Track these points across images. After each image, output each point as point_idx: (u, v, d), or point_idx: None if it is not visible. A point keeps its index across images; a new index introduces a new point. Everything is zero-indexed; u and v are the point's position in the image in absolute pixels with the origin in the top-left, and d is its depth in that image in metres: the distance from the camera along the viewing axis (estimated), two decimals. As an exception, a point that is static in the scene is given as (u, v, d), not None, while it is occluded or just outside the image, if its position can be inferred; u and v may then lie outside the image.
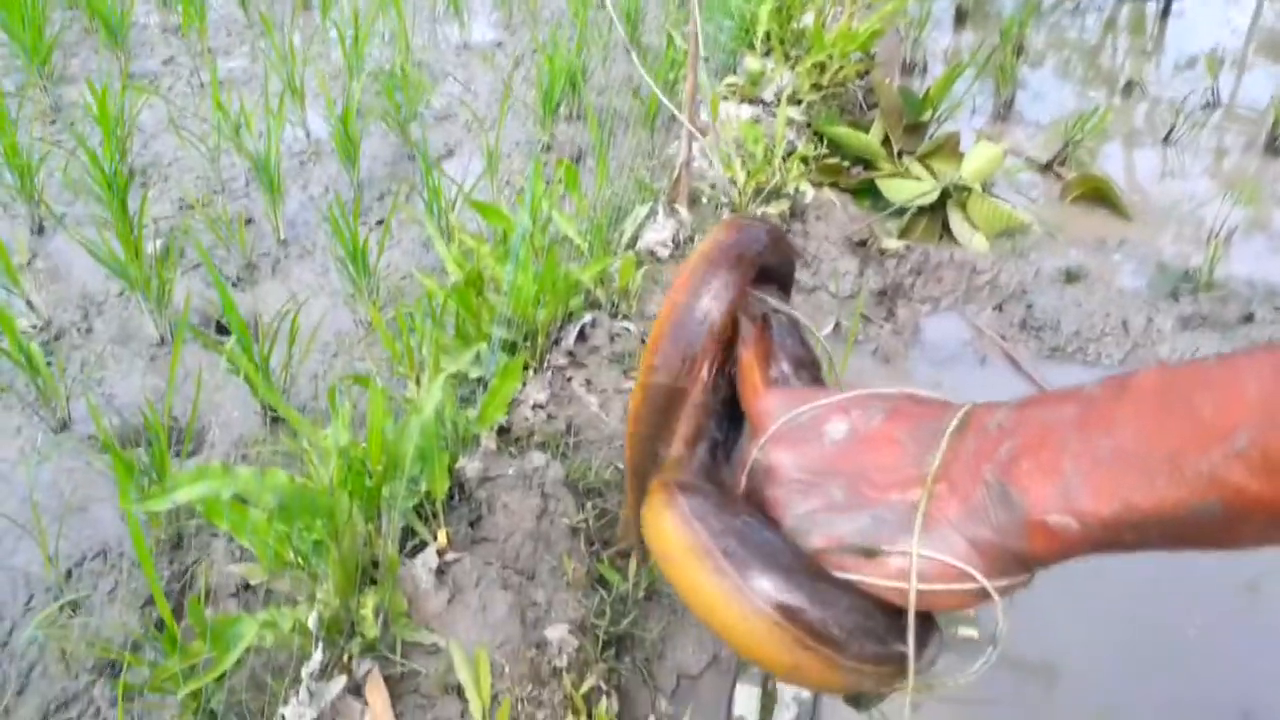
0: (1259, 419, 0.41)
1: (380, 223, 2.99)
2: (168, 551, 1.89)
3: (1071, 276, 2.69)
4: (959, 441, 0.51)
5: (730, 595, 0.48)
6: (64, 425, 2.21)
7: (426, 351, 1.84)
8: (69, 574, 1.88)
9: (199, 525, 1.96)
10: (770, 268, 0.66)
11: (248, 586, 1.81)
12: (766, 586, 0.48)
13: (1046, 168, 3.33)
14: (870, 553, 0.50)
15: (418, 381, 1.80)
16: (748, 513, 0.53)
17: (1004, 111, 3.77)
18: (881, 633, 0.50)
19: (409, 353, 1.82)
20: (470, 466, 1.74)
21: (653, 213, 2.54)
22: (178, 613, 1.83)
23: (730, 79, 3.29)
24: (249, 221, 2.95)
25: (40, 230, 2.89)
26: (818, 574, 0.51)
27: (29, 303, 2.53)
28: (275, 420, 2.26)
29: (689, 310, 0.60)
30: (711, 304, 0.60)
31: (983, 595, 0.50)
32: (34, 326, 2.49)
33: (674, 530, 0.51)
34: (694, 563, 0.49)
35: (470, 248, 2.05)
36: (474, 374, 1.91)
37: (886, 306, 2.66)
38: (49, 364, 2.32)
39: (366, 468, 1.42)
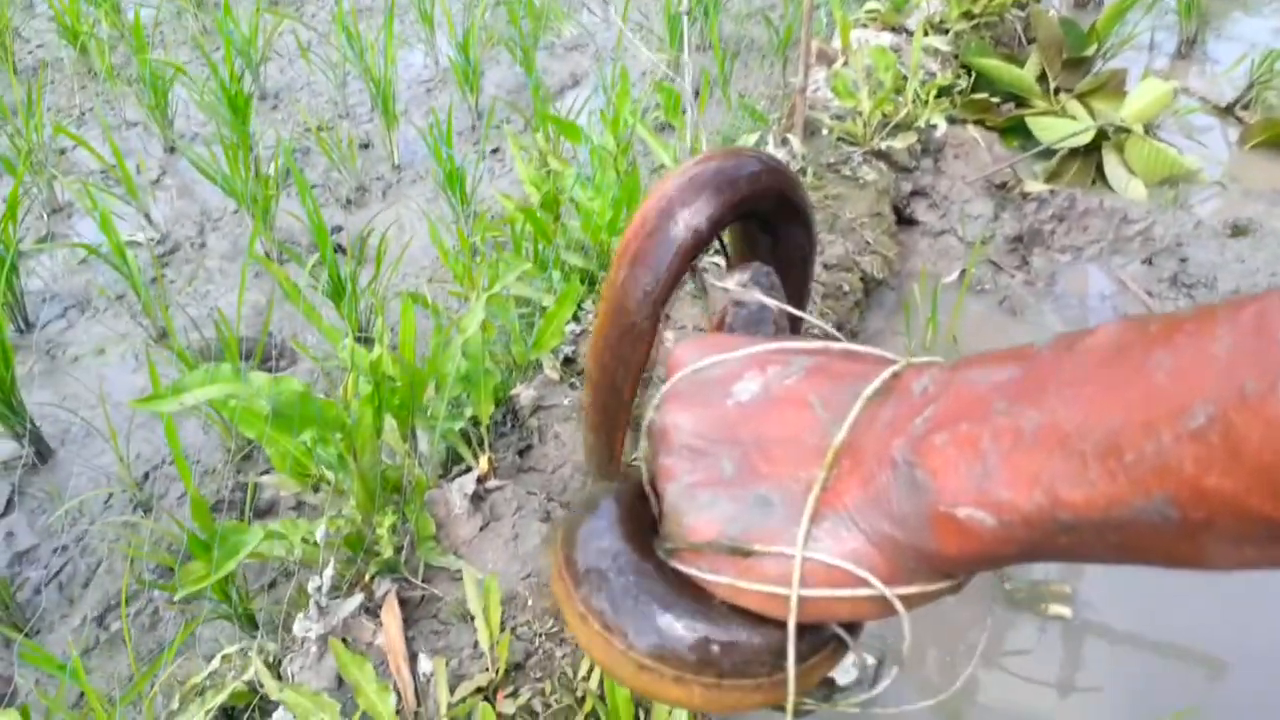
0: (1224, 388, 0.28)
1: (494, 152, 2.94)
2: (236, 462, 1.90)
3: (1238, 229, 2.37)
4: (877, 408, 0.40)
5: (597, 645, 0.43)
6: (164, 334, 2.26)
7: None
8: (145, 476, 1.91)
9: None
10: (766, 209, 0.56)
11: (304, 502, 1.80)
12: (628, 632, 0.42)
13: (1226, 111, 2.96)
14: (743, 552, 0.40)
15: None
16: (627, 534, 0.45)
17: (1186, 50, 3.38)
18: (766, 652, 0.41)
19: (469, 274, 1.75)
20: (525, 394, 1.66)
21: (761, 141, 2.37)
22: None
23: (871, 4, 3.06)
24: (366, 146, 2.95)
25: (172, 149, 2.97)
26: (687, 593, 0.42)
27: (148, 217, 2.60)
28: (361, 339, 2.25)
29: (661, 224, 0.51)
30: (689, 221, 0.51)
31: (886, 604, 0.39)
32: (151, 240, 2.56)
33: (555, 588, 0.46)
34: (569, 619, 0.45)
35: (552, 168, 1.96)
36: (544, 301, 1.82)
37: (1020, 254, 2.42)
38: (154, 278, 2.38)
39: (394, 382, 1.35)
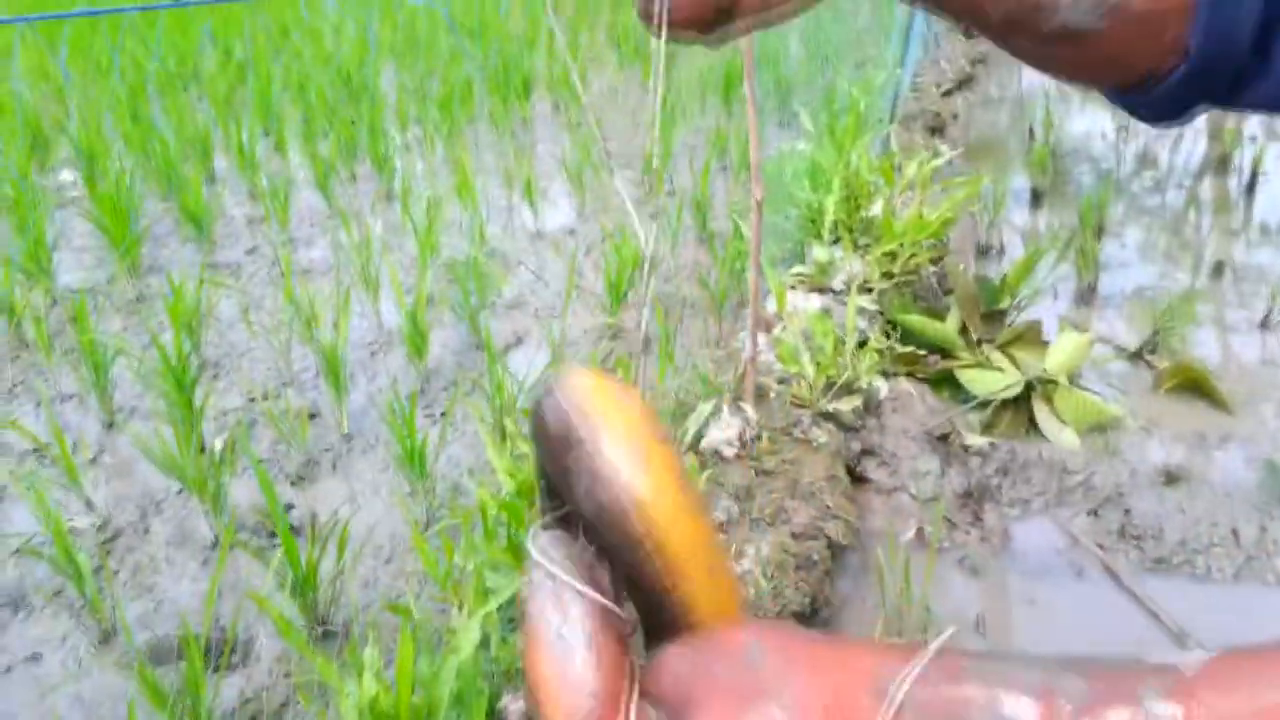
0: None
1: (444, 414, 2.95)
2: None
3: (1171, 478, 2.50)
4: None
5: None
6: (109, 635, 2.14)
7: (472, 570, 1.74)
8: (93, 811, 1.76)
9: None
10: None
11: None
12: None
13: (1136, 356, 3.17)
14: None
15: (461, 607, 1.69)
16: None
17: (1087, 295, 3.64)
18: None
19: (449, 578, 1.72)
20: (514, 706, 1.60)
21: (717, 410, 2.44)
22: None
23: (798, 269, 3.24)
24: (314, 416, 2.94)
25: (111, 425, 2.91)
26: None
27: (88, 501, 2.52)
28: (326, 634, 2.16)
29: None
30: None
31: None
32: (92, 525, 2.47)
33: None
34: None
35: (524, 453, 1.97)
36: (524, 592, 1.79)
37: (972, 510, 2.50)
38: (97, 568, 2.28)
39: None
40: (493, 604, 1.45)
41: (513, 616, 1.81)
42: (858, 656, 0.42)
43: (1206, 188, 4.84)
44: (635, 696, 0.45)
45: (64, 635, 2.16)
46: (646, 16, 0.56)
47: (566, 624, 0.44)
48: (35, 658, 2.10)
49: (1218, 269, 3.84)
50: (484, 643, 1.69)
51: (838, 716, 0.40)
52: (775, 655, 0.42)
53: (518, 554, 1.88)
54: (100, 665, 2.07)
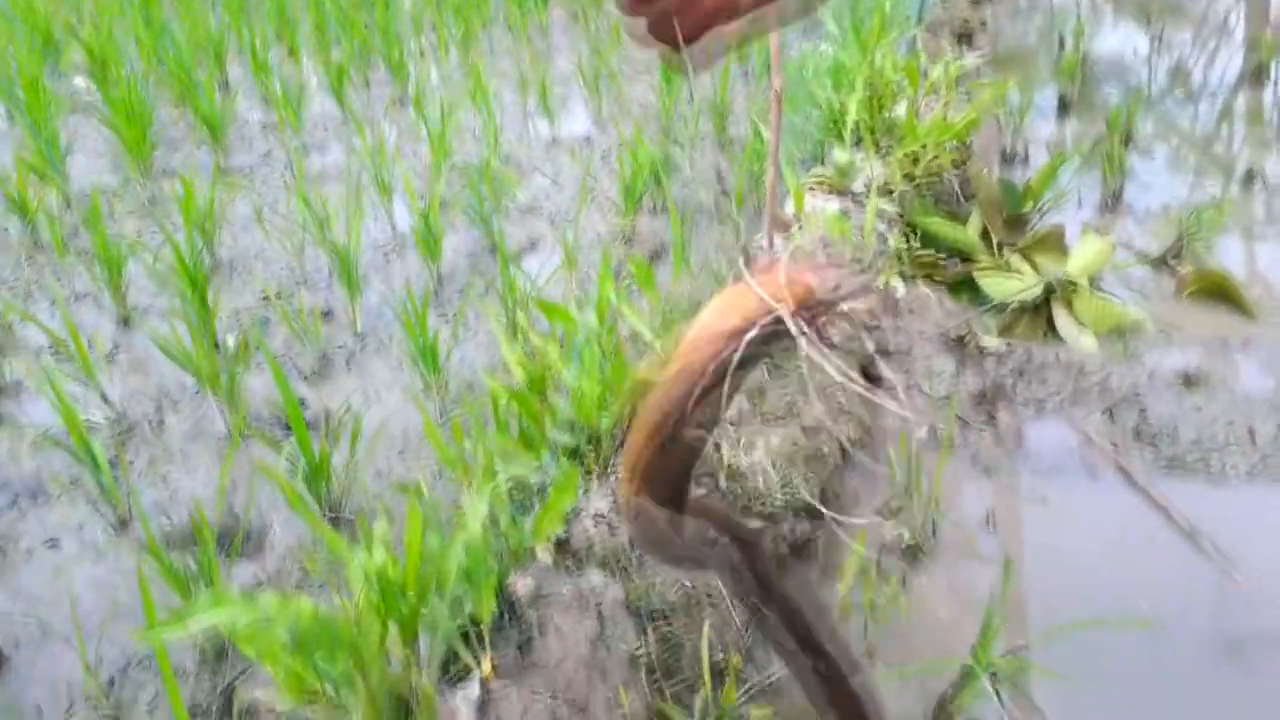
0: None
1: (456, 315, 2.94)
2: (210, 663, 1.81)
3: (1189, 380, 2.47)
4: None
5: None
6: (124, 523, 2.17)
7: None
8: (111, 682, 1.80)
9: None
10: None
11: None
12: None
13: (1160, 262, 3.11)
14: None
15: (471, 488, 1.69)
16: None
17: (1112, 203, 3.57)
18: None
19: (460, 461, 1.72)
20: (522, 584, 1.61)
21: (732, 309, 2.42)
22: (214, 731, 1.74)
23: (818, 170, 3.18)
24: (327, 314, 2.93)
25: (126, 323, 2.92)
26: None
27: (104, 395, 2.53)
28: (336, 520, 2.18)
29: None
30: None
31: None
32: (107, 419, 2.48)
33: None
34: None
35: (536, 347, 1.96)
36: (533, 479, 1.80)
37: (986, 409, 2.48)
38: (113, 460, 2.30)
39: (402, 590, 1.31)
40: (501, 480, 1.44)
41: (523, 501, 1.82)
42: None
43: (1241, 100, 4.70)
44: None
45: (81, 523, 2.19)
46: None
47: None
48: (53, 543, 2.14)
49: (1248, 179, 3.74)
50: (494, 524, 1.70)
51: None
52: None
53: (529, 443, 1.88)
54: (116, 550, 2.10)
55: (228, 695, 1.75)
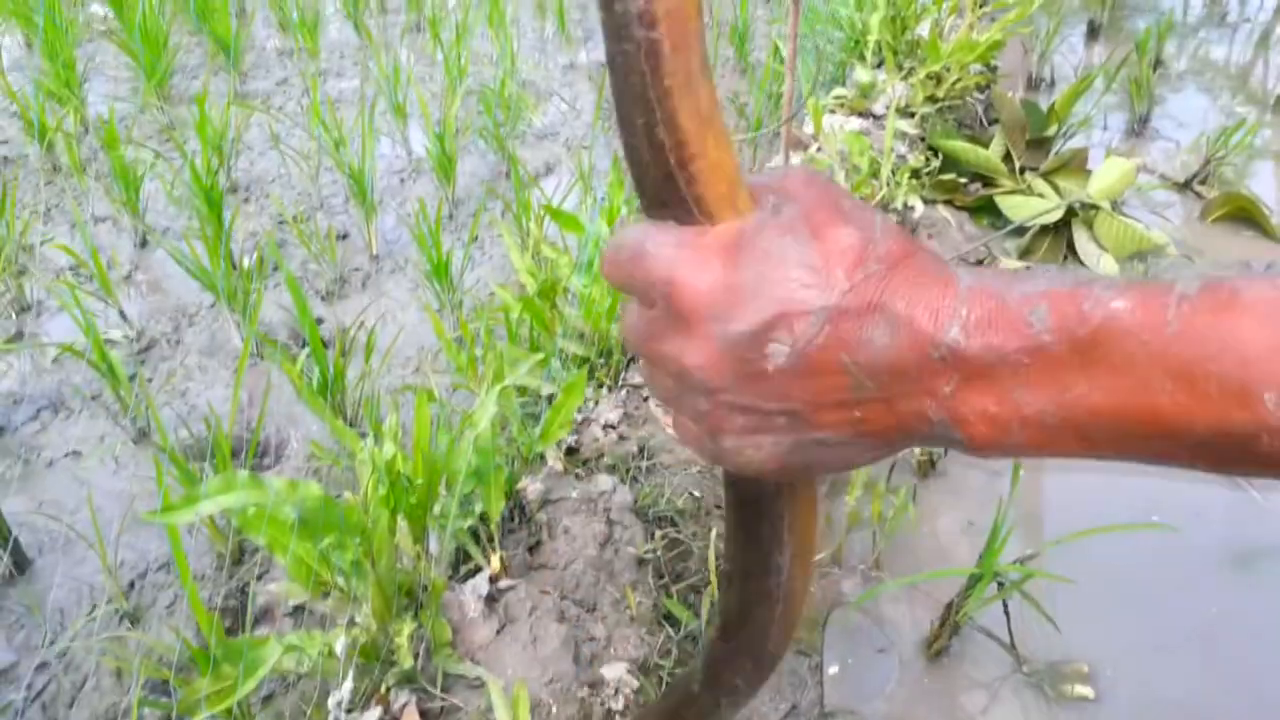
0: None
1: (473, 238, 2.94)
2: (229, 567, 1.84)
3: (1212, 301, 2.43)
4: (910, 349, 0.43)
5: None
6: (144, 435, 2.20)
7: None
8: (131, 585, 1.84)
9: (264, 540, 1.91)
10: None
11: (302, 607, 1.74)
12: None
13: (1185, 186, 3.05)
14: None
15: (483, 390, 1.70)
16: None
17: (1138, 128, 3.50)
18: None
19: (471, 365, 1.73)
20: (532, 487, 1.63)
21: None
22: (232, 631, 1.77)
23: (839, 91, 3.13)
24: (343, 237, 2.94)
25: (144, 244, 2.93)
26: None
27: (122, 313, 2.55)
28: (356, 429, 2.20)
29: None
30: None
31: None
32: (126, 337, 2.51)
33: None
34: None
35: (547, 257, 1.96)
36: (545, 390, 1.80)
37: (1002, 331, 2.45)
38: (132, 375, 2.33)
39: (410, 484, 1.32)
40: (510, 379, 1.45)
41: (535, 413, 1.83)
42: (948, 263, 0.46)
43: (1277, 27, 4.58)
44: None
45: (101, 435, 2.22)
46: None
47: None
48: (75, 454, 2.17)
49: (1278, 104, 3.65)
50: (505, 429, 1.71)
51: (912, 267, 0.43)
52: (891, 229, 0.45)
53: (540, 353, 1.89)
54: (136, 461, 2.13)
55: (244, 597, 1.78)
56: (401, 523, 1.38)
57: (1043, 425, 0.40)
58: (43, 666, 1.69)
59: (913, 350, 0.42)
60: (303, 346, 2.46)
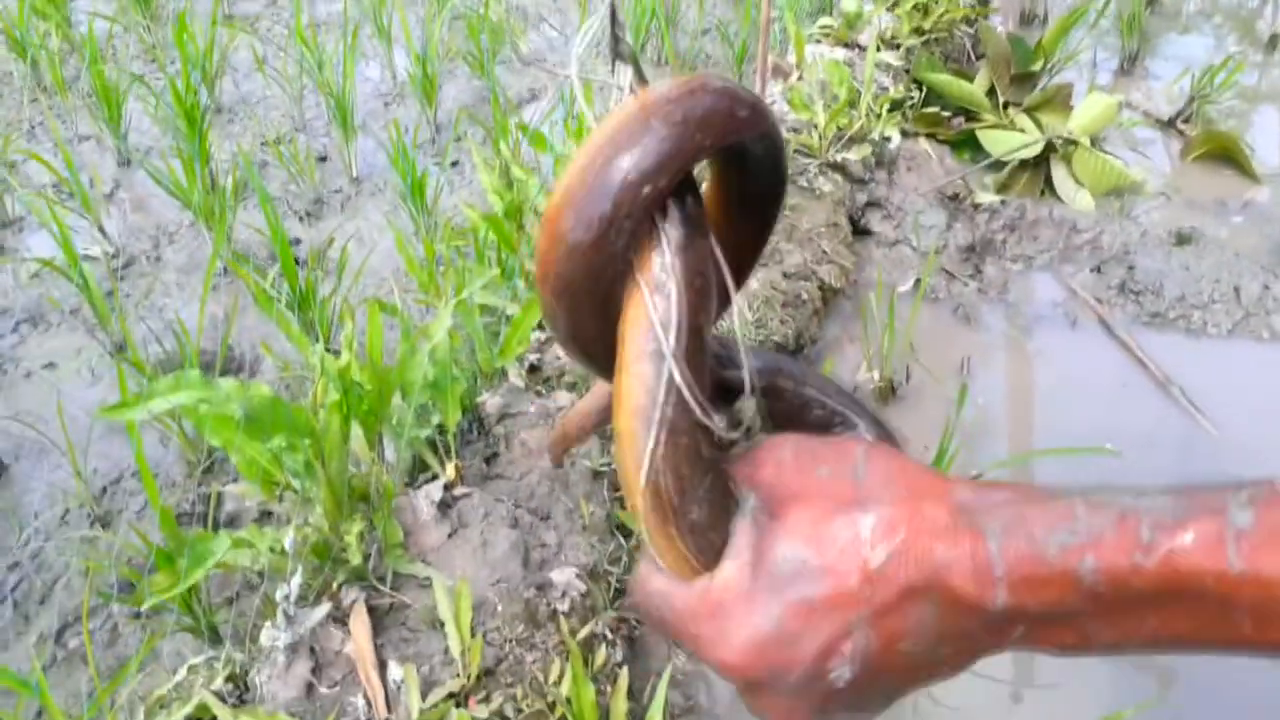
0: None
1: (454, 164, 2.94)
2: (198, 475, 1.89)
3: (1182, 238, 2.44)
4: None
5: None
6: (120, 349, 2.23)
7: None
8: (104, 490, 1.89)
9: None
10: (735, 156, 0.51)
11: (269, 512, 1.79)
12: None
13: (1168, 124, 3.05)
14: None
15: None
16: None
17: (1128, 66, 3.48)
18: None
19: (433, 281, 1.76)
20: (491, 401, 1.66)
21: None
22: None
23: (825, 21, 3.11)
24: (323, 159, 2.94)
25: (127, 163, 2.94)
26: None
27: (102, 230, 2.57)
28: (330, 350, 2.23)
29: (603, 169, 0.45)
30: (637, 162, 0.44)
31: None
32: (105, 253, 2.53)
33: None
34: None
35: (517, 178, 1.97)
36: (510, 310, 1.83)
37: (974, 263, 2.48)
38: (109, 291, 2.35)
39: (362, 390, 1.35)
40: (466, 293, 1.48)
41: (497, 331, 1.86)
42: (952, 486, 0.45)
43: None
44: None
45: (78, 348, 2.25)
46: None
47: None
48: (51, 365, 2.21)
49: (1271, 43, 3.62)
50: (468, 345, 1.75)
51: (921, 532, 0.43)
52: (877, 472, 0.45)
53: (506, 274, 1.91)
54: (111, 374, 2.16)
55: (211, 501, 1.83)
56: (356, 429, 1.42)
57: (1119, 646, 0.42)
58: (15, 566, 1.75)
59: (969, 618, 0.42)
60: (276, 262, 2.49)
